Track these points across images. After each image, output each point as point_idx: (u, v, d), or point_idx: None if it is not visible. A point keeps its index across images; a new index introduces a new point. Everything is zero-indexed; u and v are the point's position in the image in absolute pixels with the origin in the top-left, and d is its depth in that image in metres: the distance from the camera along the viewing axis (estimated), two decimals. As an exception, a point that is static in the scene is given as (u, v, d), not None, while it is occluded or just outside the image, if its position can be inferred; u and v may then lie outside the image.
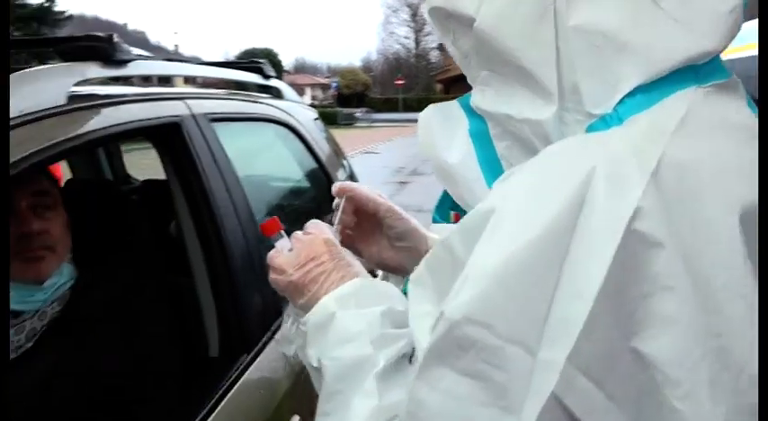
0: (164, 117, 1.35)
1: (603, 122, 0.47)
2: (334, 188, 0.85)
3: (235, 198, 1.49)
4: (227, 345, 1.36)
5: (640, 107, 0.46)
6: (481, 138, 0.57)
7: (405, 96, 52.28)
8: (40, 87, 1.05)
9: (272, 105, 2.02)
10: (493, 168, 0.57)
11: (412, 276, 0.54)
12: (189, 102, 1.49)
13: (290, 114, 2.09)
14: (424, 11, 0.60)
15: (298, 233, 0.77)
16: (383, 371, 0.59)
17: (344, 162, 2.46)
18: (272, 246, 0.77)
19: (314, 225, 0.78)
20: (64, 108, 1.08)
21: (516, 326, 0.40)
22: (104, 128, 1.14)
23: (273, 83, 2.17)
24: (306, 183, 2.24)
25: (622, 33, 0.46)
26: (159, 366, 1.25)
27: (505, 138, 0.55)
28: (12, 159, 0.92)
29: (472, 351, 0.41)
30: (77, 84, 1.13)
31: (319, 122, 2.42)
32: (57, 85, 1.08)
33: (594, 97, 0.48)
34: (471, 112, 0.59)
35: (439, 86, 63.23)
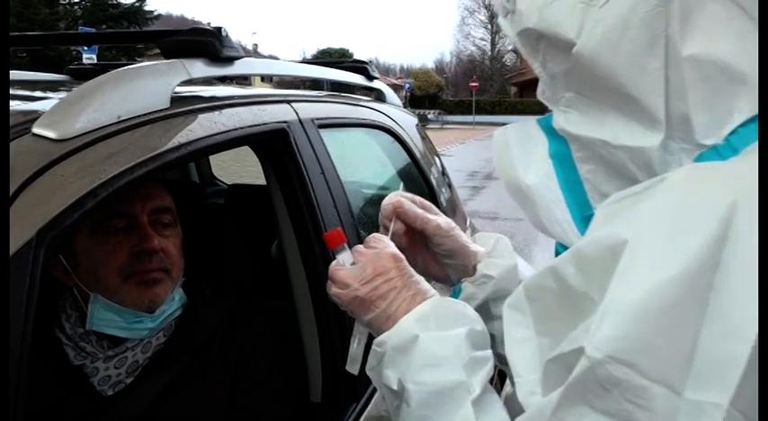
0: (270, 123, 1.18)
1: (716, 153, 0.47)
2: (387, 208, 0.83)
3: (342, 215, 1.30)
4: (332, 389, 1.18)
5: (754, 137, 0.45)
6: (562, 160, 0.57)
7: (478, 99, 51.59)
8: (142, 88, 0.89)
9: (376, 110, 1.83)
10: (575, 191, 0.57)
11: (509, 300, 0.54)
12: (296, 105, 1.32)
13: (394, 120, 1.91)
14: (500, 19, 0.60)
15: (359, 247, 0.76)
16: (479, 398, 0.60)
17: (437, 168, 2.25)
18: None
19: (377, 239, 0.76)
20: (167, 113, 0.91)
21: (661, 365, 0.40)
22: (210, 136, 0.97)
23: (376, 85, 1.99)
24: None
25: (737, 64, 0.47)
26: (262, 411, 1.08)
27: (590, 162, 0.55)
28: (106, 176, 0.76)
29: (615, 391, 0.41)
30: (181, 84, 0.97)
31: (420, 128, 2.22)
32: (159, 86, 0.92)
33: (705, 127, 0.48)
34: (552, 133, 0.59)
35: (513, 89, 62.19)
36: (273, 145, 1.22)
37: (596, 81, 0.52)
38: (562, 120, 0.57)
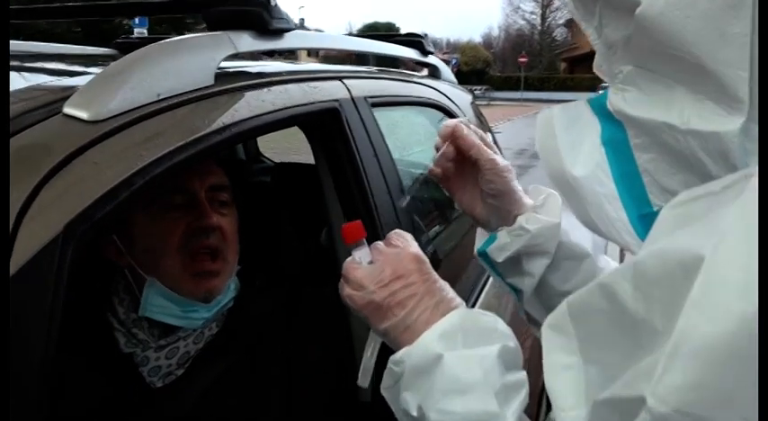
0: (322, 102, 1.08)
1: None
2: (445, 129, 0.79)
3: (395, 201, 1.21)
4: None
5: None
6: (617, 148, 0.49)
7: (526, 75, 50.36)
8: (184, 64, 0.81)
9: (430, 87, 1.72)
10: (632, 184, 0.48)
11: (549, 319, 0.47)
12: (348, 82, 1.23)
13: (449, 98, 1.79)
14: None
15: (379, 244, 0.71)
16: None
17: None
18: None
19: (399, 236, 0.71)
20: (211, 91, 0.83)
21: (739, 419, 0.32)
22: (257, 116, 0.89)
23: (431, 60, 1.87)
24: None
25: None
26: (311, 408, 1.01)
27: (652, 150, 0.47)
28: (143, 163, 0.68)
29: None
30: (226, 58, 0.88)
31: (476, 107, 2.10)
32: (203, 61, 0.84)
33: None
34: (606, 116, 0.50)
35: (563, 65, 60.52)
36: (324, 125, 1.13)
37: (663, 50, 0.43)
38: (619, 99, 0.48)
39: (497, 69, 63.80)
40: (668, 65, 0.43)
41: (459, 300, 0.67)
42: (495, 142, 2.23)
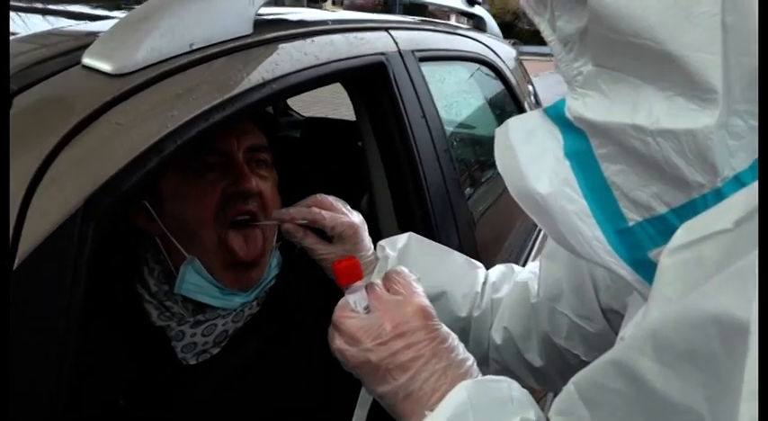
0: (368, 55, 0.97)
1: None
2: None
3: (444, 167, 1.11)
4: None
5: None
6: (582, 161, 0.44)
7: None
8: (219, 8, 0.70)
9: (477, 40, 1.59)
10: (603, 198, 0.44)
11: (556, 406, 0.43)
12: (395, 34, 1.11)
13: (496, 53, 1.66)
14: None
15: (378, 288, 0.60)
16: None
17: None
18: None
19: (402, 279, 0.60)
20: (249, 41, 0.73)
21: None
22: (299, 71, 0.79)
23: (477, 11, 1.73)
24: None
25: None
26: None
27: (619, 160, 0.42)
28: (174, 124, 0.59)
29: None
30: (265, 4, 0.77)
31: (521, 64, 1.96)
32: (240, 6, 0.73)
33: None
34: (566, 126, 0.45)
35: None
36: (369, 81, 1.02)
37: (622, 39, 0.38)
38: (579, 105, 0.43)
39: (527, 22, 62.06)
40: (630, 57, 0.39)
41: (471, 361, 0.57)
42: (535, 95, 2.10)
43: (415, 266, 0.73)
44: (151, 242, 0.91)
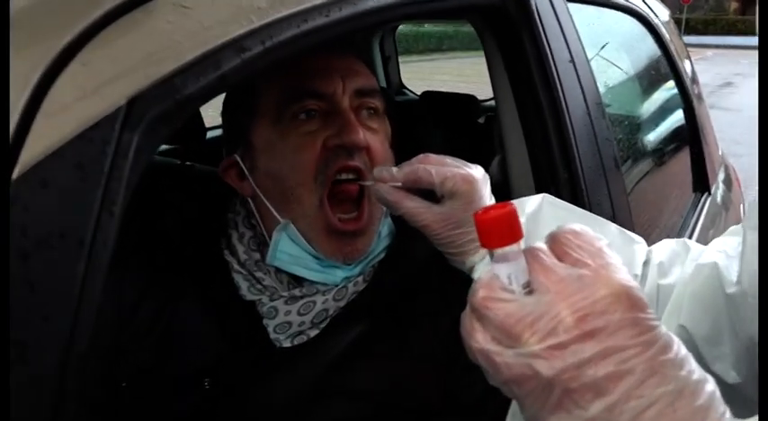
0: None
1: None
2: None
3: (596, 126, 0.90)
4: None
5: None
6: None
7: (688, 16, 45.48)
8: None
9: (629, -12, 1.35)
10: None
11: None
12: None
13: (650, 8, 1.41)
14: None
15: (544, 254, 0.37)
16: None
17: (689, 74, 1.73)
18: None
19: (583, 240, 0.38)
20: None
21: None
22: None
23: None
24: (667, 105, 1.55)
25: None
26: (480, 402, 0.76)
27: None
28: (261, 19, 0.43)
29: None
30: None
31: (674, 25, 1.69)
32: None
33: None
34: None
35: (733, 5, 54.01)
36: (506, 15, 0.83)
37: None
38: None
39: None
40: None
41: (711, 385, 0.35)
42: (694, 73, 1.81)
43: None
44: (243, 203, 0.78)
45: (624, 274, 0.37)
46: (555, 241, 0.39)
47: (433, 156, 0.65)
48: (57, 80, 0.32)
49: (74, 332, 0.29)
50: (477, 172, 0.65)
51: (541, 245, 0.39)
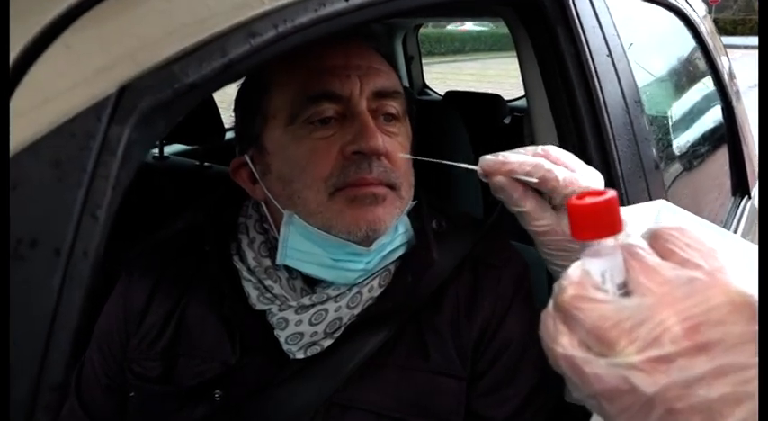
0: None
1: None
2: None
3: (636, 127, 0.84)
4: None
5: None
6: None
7: (716, 17, 44.67)
8: None
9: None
10: None
11: None
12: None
13: (688, 3, 1.35)
14: None
15: (644, 252, 0.33)
16: None
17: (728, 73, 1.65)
18: None
19: (691, 238, 0.33)
20: None
21: None
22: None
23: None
24: (705, 103, 1.48)
25: None
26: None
27: None
28: (274, 1, 0.39)
29: None
30: None
31: (711, 22, 1.62)
32: None
33: None
34: None
35: (763, 6, 52.95)
36: (540, 9, 0.78)
37: None
38: None
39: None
40: None
41: None
42: (731, 69, 1.73)
43: None
44: (255, 207, 0.74)
45: (744, 281, 0.32)
46: (657, 238, 0.34)
47: (553, 152, 0.54)
48: (34, 64, 0.28)
49: (45, 360, 0.24)
50: (599, 183, 0.54)
51: (642, 242, 0.34)
